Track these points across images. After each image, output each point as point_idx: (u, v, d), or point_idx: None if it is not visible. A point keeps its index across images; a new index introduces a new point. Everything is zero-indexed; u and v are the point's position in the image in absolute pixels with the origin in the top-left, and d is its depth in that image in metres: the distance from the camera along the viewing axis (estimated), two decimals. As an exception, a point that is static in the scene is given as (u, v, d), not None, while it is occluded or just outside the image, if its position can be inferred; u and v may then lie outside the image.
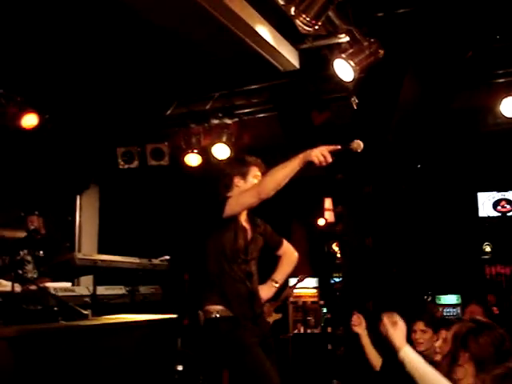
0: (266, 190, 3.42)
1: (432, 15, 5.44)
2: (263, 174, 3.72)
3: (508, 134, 7.24)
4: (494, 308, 8.39)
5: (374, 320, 7.43)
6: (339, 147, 3.43)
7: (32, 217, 6.29)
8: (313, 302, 10.29)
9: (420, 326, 4.39)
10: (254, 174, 3.76)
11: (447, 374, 2.77)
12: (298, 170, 3.40)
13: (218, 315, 3.52)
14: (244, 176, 3.75)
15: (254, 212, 3.83)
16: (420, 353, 4.28)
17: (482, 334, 2.70)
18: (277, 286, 3.98)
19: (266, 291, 3.91)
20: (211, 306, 3.56)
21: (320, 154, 3.36)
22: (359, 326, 4.68)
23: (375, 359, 4.60)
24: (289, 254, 4.10)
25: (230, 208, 3.50)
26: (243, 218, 3.74)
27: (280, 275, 4.03)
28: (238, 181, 3.75)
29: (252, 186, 3.64)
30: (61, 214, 8.09)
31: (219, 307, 3.53)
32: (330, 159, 3.38)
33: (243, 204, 3.55)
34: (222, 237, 3.59)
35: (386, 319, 2.87)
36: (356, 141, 3.42)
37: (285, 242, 4.10)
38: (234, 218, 3.61)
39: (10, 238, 6.14)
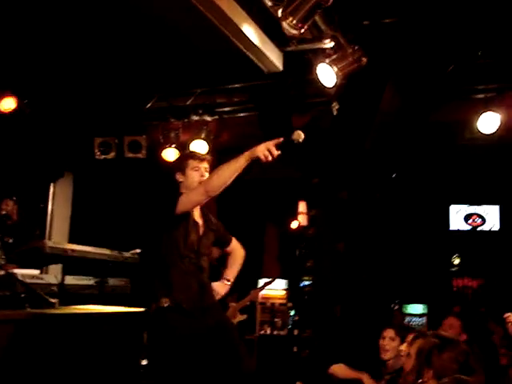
0: (213, 188, 3.56)
1: (416, 28, 5.51)
2: (204, 161, 3.87)
3: (483, 149, 7.33)
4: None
5: (341, 324, 7.51)
6: (281, 139, 3.50)
7: (8, 200, 6.22)
8: (281, 304, 10.30)
9: (390, 333, 4.44)
10: (192, 166, 3.86)
11: None
12: (243, 168, 3.50)
13: (166, 305, 3.60)
14: (183, 171, 3.87)
15: (228, 212, 3.90)
16: (385, 361, 4.35)
17: (445, 349, 2.71)
18: (229, 283, 4.09)
19: (220, 288, 4.02)
20: (162, 297, 3.63)
21: (265, 149, 3.45)
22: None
23: None
24: (237, 251, 4.22)
25: (182, 205, 3.62)
26: (196, 214, 3.85)
27: (231, 273, 4.13)
28: (179, 176, 3.89)
29: (200, 184, 3.74)
30: (33, 201, 8.00)
31: (168, 298, 3.62)
32: (275, 153, 3.47)
33: (192, 201, 3.68)
34: (175, 231, 3.70)
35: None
36: (296, 131, 3.51)
37: (234, 240, 4.21)
38: (187, 214, 3.72)
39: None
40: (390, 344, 4.39)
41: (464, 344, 2.82)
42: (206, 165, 3.88)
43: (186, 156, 3.99)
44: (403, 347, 3.80)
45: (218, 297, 3.96)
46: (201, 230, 3.84)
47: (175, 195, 3.71)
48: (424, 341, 2.85)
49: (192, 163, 3.87)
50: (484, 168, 8.79)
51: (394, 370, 4.22)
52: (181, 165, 3.92)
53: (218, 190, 3.56)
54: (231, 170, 3.50)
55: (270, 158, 3.46)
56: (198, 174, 3.84)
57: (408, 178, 8.95)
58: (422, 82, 6.21)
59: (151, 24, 5.56)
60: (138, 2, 5.19)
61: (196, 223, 3.82)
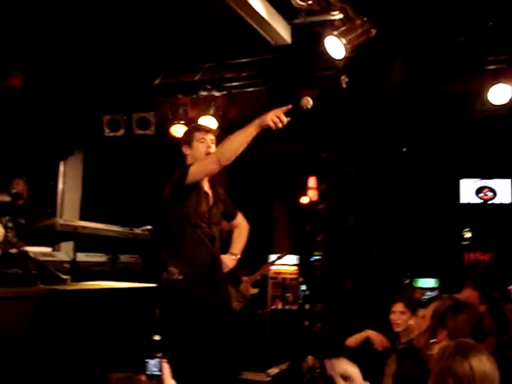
0: (225, 156, 3.60)
1: (426, -3, 5.42)
2: (209, 133, 3.93)
3: (494, 122, 7.26)
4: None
5: (353, 299, 7.52)
6: (290, 106, 3.53)
7: (19, 180, 6.25)
8: (292, 279, 10.32)
9: (399, 307, 4.44)
10: (198, 138, 3.92)
11: (424, 350, 2.81)
12: (254, 135, 3.54)
13: (179, 277, 3.67)
14: (189, 143, 3.93)
15: (238, 188, 3.94)
16: (397, 333, 4.36)
17: (459, 312, 2.73)
18: (236, 258, 4.11)
19: (228, 261, 4.04)
20: (173, 267, 3.70)
21: (274, 116, 3.48)
22: None
23: None
24: (242, 226, 4.27)
25: (193, 175, 3.67)
26: (206, 185, 3.91)
27: (237, 247, 4.16)
28: (185, 149, 3.94)
29: (212, 153, 3.79)
30: (43, 179, 8.03)
31: (178, 268, 3.68)
32: (285, 120, 3.50)
33: (204, 171, 3.73)
34: (185, 202, 3.75)
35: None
36: (305, 97, 3.53)
37: (239, 214, 4.27)
38: (197, 184, 3.77)
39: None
40: (401, 317, 4.39)
41: (478, 309, 2.84)
42: (211, 136, 3.93)
43: (192, 129, 4.05)
44: (411, 321, 3.81)
45: (226, 270, 3.99)
46: (211, 200, 3.89)
47: (184, 166, 3.75)
48: (440, 302, 2.87)
49: (198, 135, 3.93)
50: (495, 141, 8.72)
51: (407, 341, 4.23)
52: (187, 138, 3.97)
53: (229, 158, 3.59)
54: (242, 137, 3.54)
55: (280, 125, 3.49)
56: (204, 146, 3.88)
57: (418, 151, 8.90)
58: (432, 54, 6.13)
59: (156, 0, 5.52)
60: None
61: (206, 193, 3.87)
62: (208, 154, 3.83)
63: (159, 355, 3.63)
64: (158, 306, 4.15)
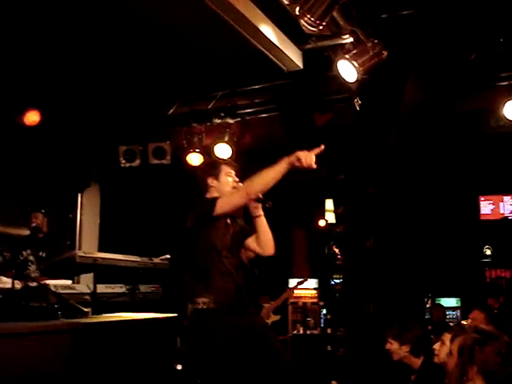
0: (254, 191, 3.67)
1: (436, 17, 5.43)
2: (235, 168, 4.02)
3: (511, 137, 7.22)
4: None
5: (375, 322, 7.44)
6: (323, 148, 3.61)
7: (37, 213, 6.30)
8: (313, 303, 10.27)
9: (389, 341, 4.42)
10: (226, 172, 3.99)
11: None
12: (283, 174, 3.60)
13: (204, 306, 3.69)
14: (217, 176, 3.98)
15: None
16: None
17: (487, 344, 2.66)
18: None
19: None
20: (199, 298, 3.72)
21: (307, 158, 3.52)
22: None
23: None
24: None
25: (221, 207, 3.72)
26: (226, 216, 3.94)
27: None
28: (211, 181, 3.98)
29: (241, 187, 3.85)
30: (62, 212, 8.08)
31: (207, 299, 3.69)
32: (314, 165, 3.55)
33: (233, 204, 3.77)
34: (212, 233, 3.80)
35: None
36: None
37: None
38: (223, 216, 3.82)
39: (13, 236, 6.14)
40: (391, 348, 4.37)
41: (505, 336, 2.76)
42: (234, 171, 4.03)
43: (220, 163, 4.12)
44: (437, 346, 3.75)
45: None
46: (231, 230, 3.93)
47: (213, 198, 3.83)
48: (464, 337, 2.78)
49: (226, 169, 4.01)
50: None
51: (416, 370, 4.22)
52: (213, 170, 4.02)
53: (258, 193, 3.70)
54: (272, 174, 3.61)
55: (313, 166, 3.53)
56: (231, 180, 3.97)
57: (435, 169, 8.85)
58: (444, 73, 6.13)
59: (170, 31, 5.58)
60: (155, 11, 5.21)
61: (228, 224, 3.92)
62: (234, 187, 3.92)
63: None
64: (183, 336, 4.14)
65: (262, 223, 3.97)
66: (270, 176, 3.61)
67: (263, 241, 3.99)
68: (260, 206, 3.90)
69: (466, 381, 2.65)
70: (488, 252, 11.08)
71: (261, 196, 3.83)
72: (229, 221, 3.94)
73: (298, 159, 3.52)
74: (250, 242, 4.04)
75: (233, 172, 4.00)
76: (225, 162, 4.22)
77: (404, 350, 4.27)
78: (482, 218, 11.02)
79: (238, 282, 3.83)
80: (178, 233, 4.02)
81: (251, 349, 3.72)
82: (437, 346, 3.69)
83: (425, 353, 4.20)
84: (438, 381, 3.59)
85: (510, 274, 10.86)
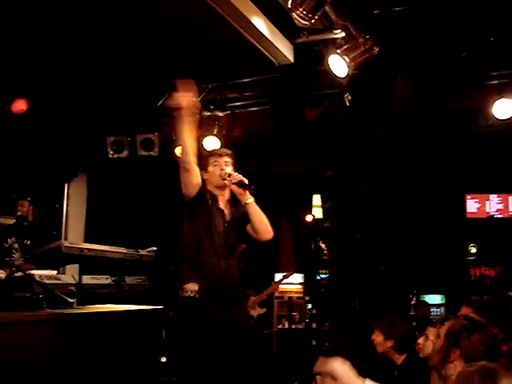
0: (181, 155, 3.79)
1: (427, 14, 5.44)
2: (223, 156, 3.98)
3: (499, 136, 7.25)
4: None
5: (359, 318, 7.46)
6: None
7: (23, 201, 6.26)
8: (298, 298, 10.29)
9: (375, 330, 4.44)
10: (212, 161, 3.99)
11: (438, 370, 2.77)
12: (186, 123, 3.73)
13: (192, 295, 3.69)
14: (205, 168, 3.99)
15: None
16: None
17: (474, 332, 2.69)
18: None
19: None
20: (188, 284, 3.71)
21: (182, 97, 3.69)
22: None
23: None
24: None
25: (183, 190, 3.80)
26: (222, 203, 3.93)
27: None
28: (203, 174, 3.97)
29: None
30: (48, 201, 8.03)
31: (195, 287, 3.69)
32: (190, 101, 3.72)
33: (182, 180, 3.81)
34: (197, 220, 3.82)
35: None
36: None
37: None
38: (202, 201, 3.83)
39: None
40: (379, 345, 4.38)
41: (495, 328, 2.78)
42: (226, 159, 3.98)
43: (208, 154, 4.10)
44: (420, 340, 3.77)
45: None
46: (227, 218, 3.91)
47: None
48: (454, 322, 2.82)
49: (211, 159, 3.99)
50: (500, 155, 8.70)
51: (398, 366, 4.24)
52: (204, 163, 4.01)
53: (184, 154, 3.74)
54: (178, 131, 3.77)
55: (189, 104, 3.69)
56: (217, 168, 3.94)
57: (423, 166, 8.87)
58: (435, 70, 6.14)
59: (160, 21, 5.55)
60: (144, 1, 5.18)
61: (221, 211, 3.90)
62: (221, 175, 3.87)
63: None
64: (170, 324, 4.13)
65: (254, 209, 3.90)
66: (178, 134, 3.78)
67: (258, 227, 3.94)
68: (246, 192, 3.83)
69: (448, 362, 2.69)
70: (473, 250, 11.15)
71: (241, 179, 3.83)
72: (223, 208, 3.91)
73: (180, 101, 3.66)
74: (249, 228, 3.99)
75: (220, 160, 3.95)
76: (211, 152, 4.18)
77: (387, 345, 4.29)
78: (468, 216, 11.07)
79: (227, 271, 3.78)
80: (164, 224, 4.03)
81: (226, 346, 3.68)
82: (421, 340, 3.70)
83: (409, 350, 4.22)
84: (420, 378, 3.61)
85: (495, 272, 10.94)
